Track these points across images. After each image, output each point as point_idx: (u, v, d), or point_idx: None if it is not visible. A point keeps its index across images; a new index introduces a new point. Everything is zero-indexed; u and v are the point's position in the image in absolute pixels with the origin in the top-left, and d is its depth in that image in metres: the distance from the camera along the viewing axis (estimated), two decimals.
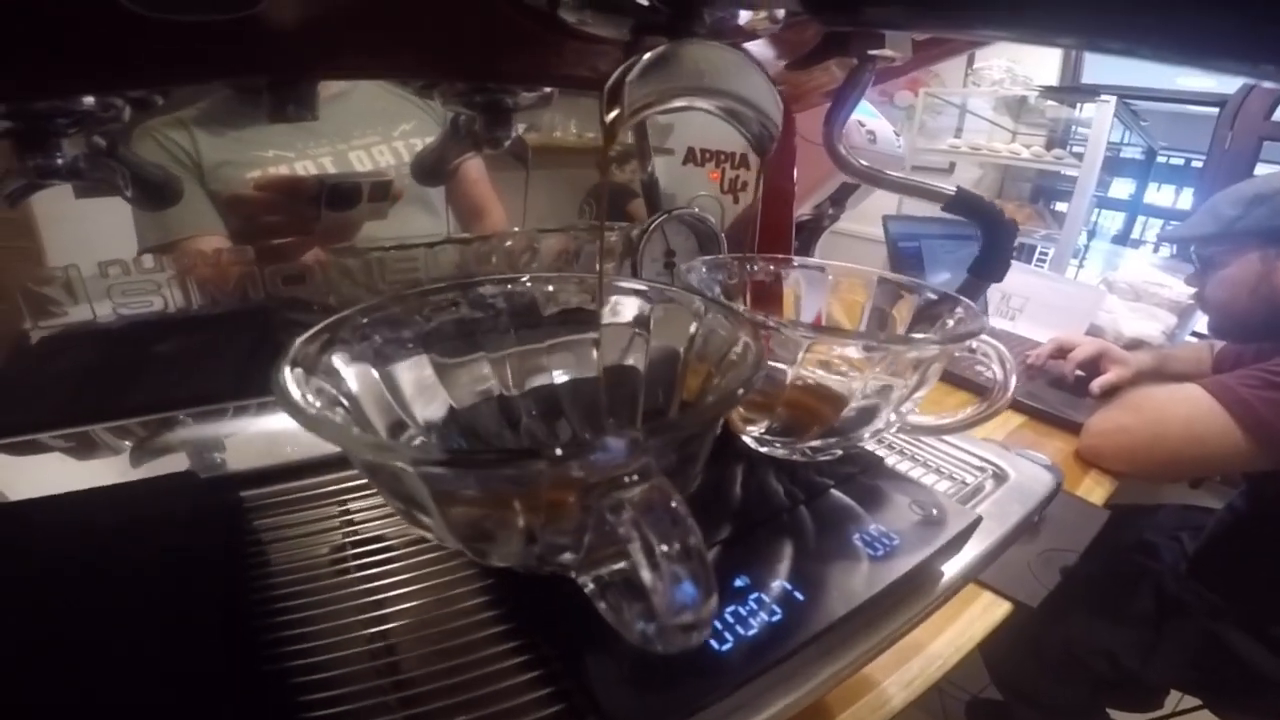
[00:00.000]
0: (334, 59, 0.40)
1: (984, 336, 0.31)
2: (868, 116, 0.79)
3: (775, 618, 0.25)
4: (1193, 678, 0.84)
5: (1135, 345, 1.13)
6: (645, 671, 0.23)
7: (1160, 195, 2.34)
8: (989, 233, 0.35)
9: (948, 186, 0.37)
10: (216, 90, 0.39)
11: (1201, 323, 1.16)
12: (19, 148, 0.32)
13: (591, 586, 0.21)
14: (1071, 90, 2.01)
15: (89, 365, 0.39)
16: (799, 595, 0.26)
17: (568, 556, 0.20)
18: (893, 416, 0.32)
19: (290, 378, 0.22)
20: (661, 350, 0.31)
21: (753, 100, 0.26)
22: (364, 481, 0.38)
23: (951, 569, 0.34)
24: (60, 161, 0.34)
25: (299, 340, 0.24)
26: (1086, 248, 2.06)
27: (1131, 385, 0.93)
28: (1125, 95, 1.74)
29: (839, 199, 0.88)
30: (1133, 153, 2.30)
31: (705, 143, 0.54)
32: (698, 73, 0.24)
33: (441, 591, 0.31)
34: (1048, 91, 2.00)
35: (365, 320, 0.28)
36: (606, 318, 0.32)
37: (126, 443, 0.41)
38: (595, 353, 0.32)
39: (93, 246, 0.37)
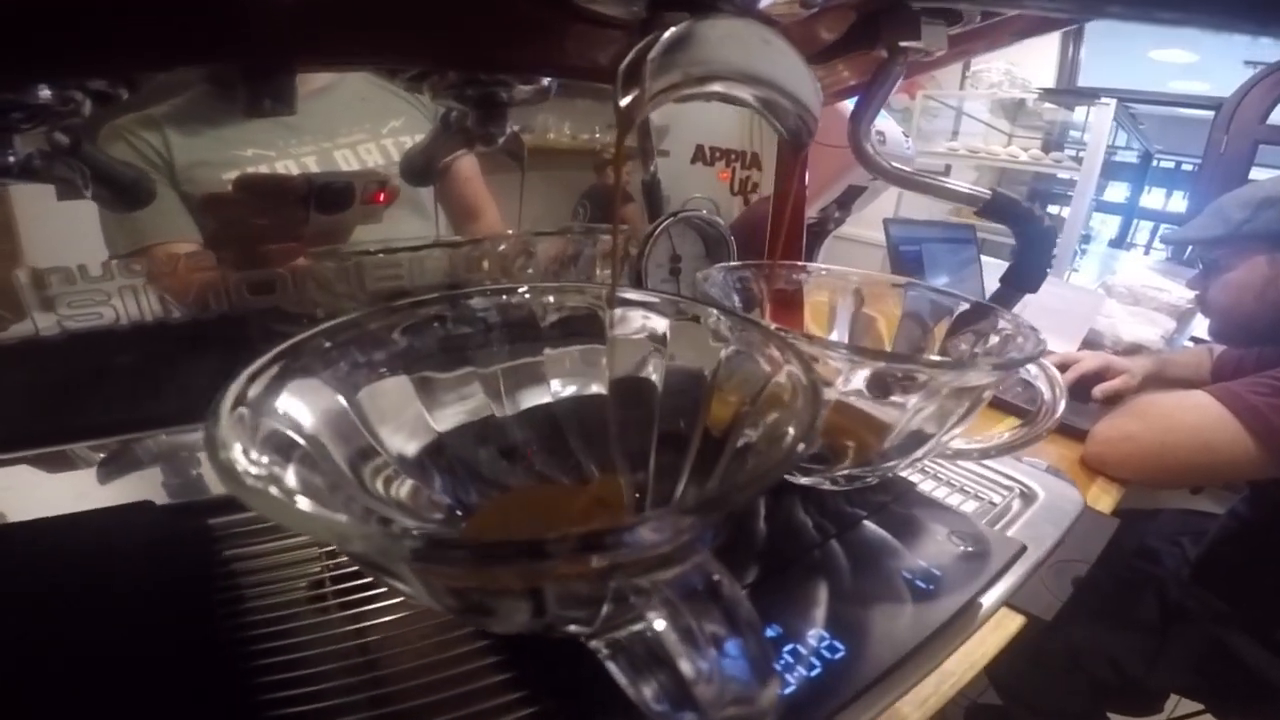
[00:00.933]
0: (315, 45, 0.36)
1: None
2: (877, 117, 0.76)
3: (814, 672, 0.23)
4: (1197, 684, 0.83)
5: (1134, 350, 1.12)
6: None
7: (1151, 198, 2.36)
8: (1026, 238, 0.33)
9: (982, 190, 0.34)
10: (191, 85, 0.36)
11: (1200, 327, 1.15)
12: None
13: (606, 651, 0.18)
14: (1071, 93, 2.01)
15: (50, 380, 0.35)
16: (839, 645, 0.23)
17: (579, 627, 0.17)
18: (934, 443, 0.29)
19: (230, 425, 0.17)
20: (681, 372, 0.27)
21: (792, 89, 0.23)
22: None
23: (990, 598, 0.32)
24: (13, 159, 0.30)
25: (243, 375, 0.20)
26: (1082, 251, 2.06)
27: (1137, 392, 0.91)
28: (1123, 98, 1.74)
29: (845, 202, 0.86)
30: (1128, 156, 2.32)
31: (714, 140, 0.51)
32: (729, 54, 0.21)
33: (433, 635, 0.28)
34: (1047, 94, 2.00)
35: (329, 343, 0.24)
36: (616, 331, 0.29)
37: (100, 455, 0.37)
38: (600, 370, 0.29)
39: (79, 248, 0.34)
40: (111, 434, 0.38)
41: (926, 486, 0.41)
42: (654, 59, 0.20)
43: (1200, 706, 0.88)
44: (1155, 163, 2.34)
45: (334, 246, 0.40)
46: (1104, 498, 0.77)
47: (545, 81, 0.44)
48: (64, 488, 0.37)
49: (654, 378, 0.28)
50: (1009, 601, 0.57)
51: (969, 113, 2.16)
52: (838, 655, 0.24)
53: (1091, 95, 1.73)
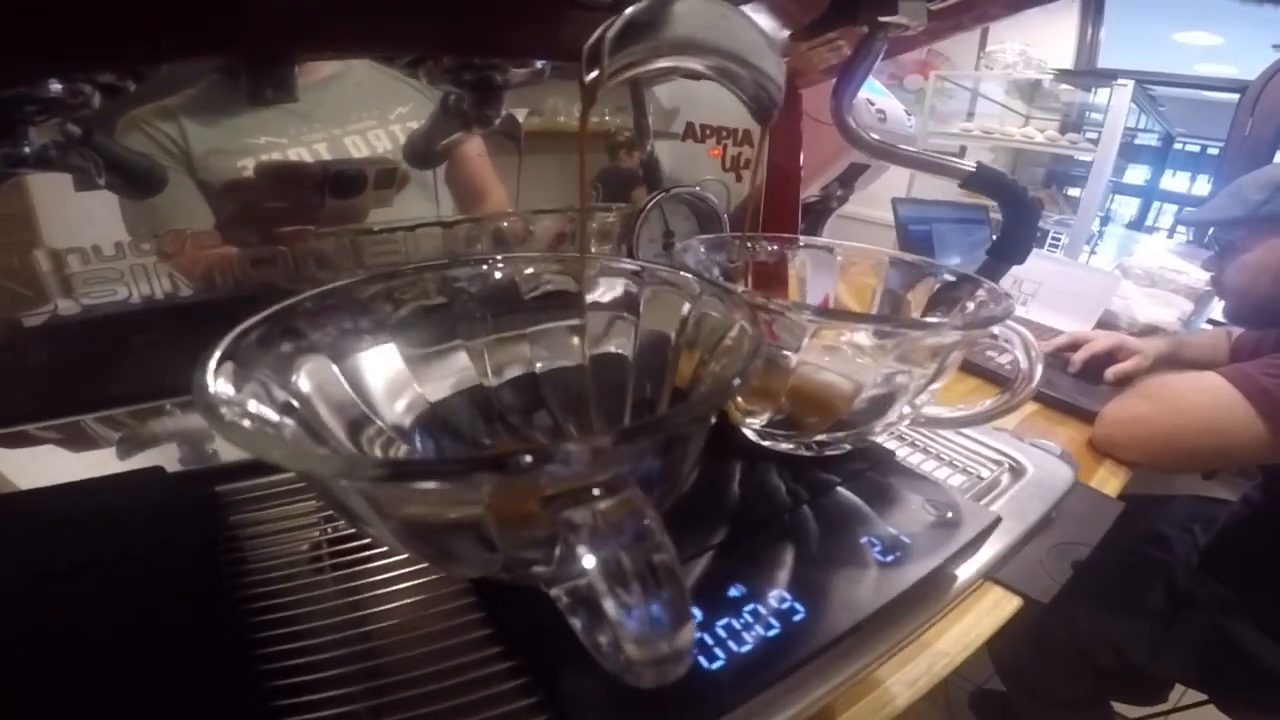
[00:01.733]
0: (311, 33, 0.37)
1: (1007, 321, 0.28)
2: (877, 95, 0.75)
3: (772, 632, 0.23)
4: (1200, 674, 0.82)
5: (1150, 331, 1.10)
6: (624, 692, 0.21)
7: (1174, 181, 2.30)
8: (1010, 211, 0.33)
9: (966, 163, 0.34)
10: (203, 76, 0.37)
11: (1218, 309, 1.12)
12: None
13: (566, 600, 0.19)
14: (1088, 74, 1.95)
15: (68, 356, 0.37)
16: (799, 606, 0.24)
17: (539, 569, 0.18)
18: (907, 408, 0.29)
19: (217, 373, 0.19)
20: (652, 335, 0.28)
21: (747, 58, 0.24)
22: None
23: (966, 571, 0.32)
24: (28, 150, 0.32)
25: (234, 332, 0.21)
26: (1101, 233, 2.01)
27: (1149, 373, 0.90)
28: (1143, 80, 1.68)
29: (847, 180, 0.85)
30: (1148, 139, 2.25)
31: (707, 118, 0.51)
32: (686, 29, 0.22)
33: (421, 593, 0.30)
34: (1063, 75, 1.94)
35: (313, 306, 0.25)
36: (593, 300, 0.30)
37: (118, 433, 0.39)
38: (579, 338, 0.30)
39: (98, 238, 0.35)
40: (123, 404, 0.39)
41: (914, 459, 0.41)
42: (611, 38, 0.21)
43: (1204, 697, 0.87)
44: (1180, 146, 2.27)
45: (340, 228, 0.42)
46: (1111, 480, 0.76)
47: (539, 64, 0.45)
48: (84, 464, 0.39)
49: (628, 344, 0.29)
50: (1008, 583, 0.58)
51: (984, 94, 2.12)
52: (797, 617, 0.24)
53: (1109, 76, 1.68)
